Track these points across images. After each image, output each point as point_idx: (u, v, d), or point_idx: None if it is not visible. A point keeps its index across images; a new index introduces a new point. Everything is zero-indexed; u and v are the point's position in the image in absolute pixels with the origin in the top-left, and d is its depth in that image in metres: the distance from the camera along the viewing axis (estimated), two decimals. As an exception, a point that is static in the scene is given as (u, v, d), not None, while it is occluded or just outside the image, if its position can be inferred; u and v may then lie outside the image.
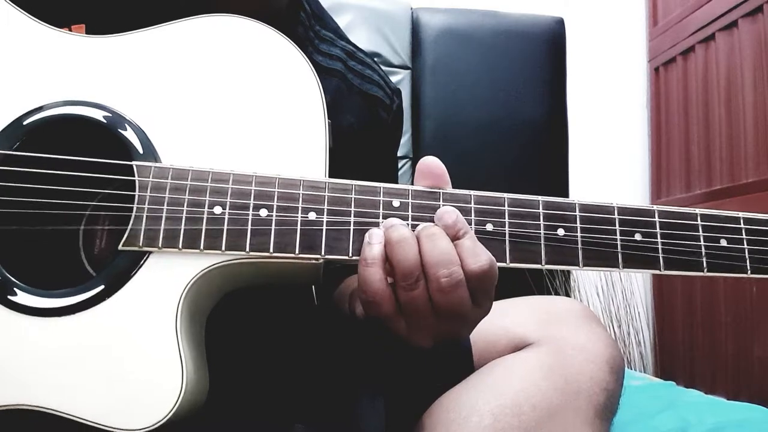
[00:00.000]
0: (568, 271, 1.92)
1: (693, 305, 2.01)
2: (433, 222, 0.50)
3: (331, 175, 0.52)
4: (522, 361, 0.62)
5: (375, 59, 0.81)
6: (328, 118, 0.53)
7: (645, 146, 2.32)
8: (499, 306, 0.71)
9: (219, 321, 0.54)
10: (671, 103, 2.20)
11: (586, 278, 2.05)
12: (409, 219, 0.51)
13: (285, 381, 0.68)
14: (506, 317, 0.68)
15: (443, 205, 0.51)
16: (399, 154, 0.86)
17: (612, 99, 2.29)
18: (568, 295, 1.89)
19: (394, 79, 1.80)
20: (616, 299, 2.03)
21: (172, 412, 0.45)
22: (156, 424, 0.45)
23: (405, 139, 1.81)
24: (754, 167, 1.80)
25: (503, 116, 1.87)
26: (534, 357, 0.62)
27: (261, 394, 0.66)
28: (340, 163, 0.54)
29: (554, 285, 1.83)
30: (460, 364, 0.66)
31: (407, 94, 1.86)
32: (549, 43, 1.94)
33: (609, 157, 2.25)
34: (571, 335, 0.63)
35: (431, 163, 0.53)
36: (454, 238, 0.49)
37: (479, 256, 0.48)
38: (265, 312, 0.66)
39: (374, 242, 0.49)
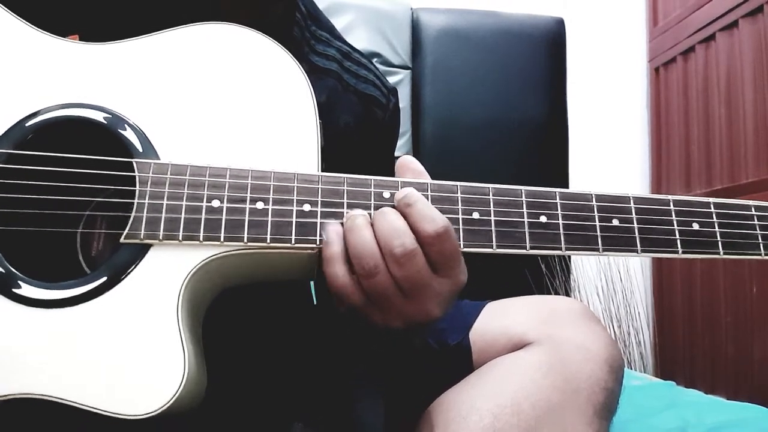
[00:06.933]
0: (569, 271, 1.92)
1: (693, 305, 2.01)
2: None
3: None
4: (521, 360, 0.62)
5: (374, 59, 0.81)
6: (324, 118, 0.55)
7: (645, 146, 2.32)
8: (498, 305, 0.72)
9: (218, 319, 0.55)
10: (671, 103, 2.20)
11: (586, 278, 2.05)
12: None
13: (284, 379, 0.68)
14: (506, 317, 0.68)
15: (431, 195, 0.53)
16: (399, 153, 0.87)
17: (612, 99, 2.29)
18: (568, 294, 1.89)
19: (394, 79, 1.80)
20: (616, 299, 2.03)
21: (173, 399, 0.46)
22: (157, 410, 0.45)
23: (405, 139, 1.81)
24: (754, 167, 1.80)
25: (503, 116, 1.87)
26: (533, 356, 0.62)
27: (260, 392, 0.66)
28: (337, 162, 0.54)
29: (554, 285, 1.83)
30: (460, 363, 0.66)
31: (407, 94, 1.85)
32: (549, 43, 1.95)
33: (609, 158, 2.25)
34: (570, 334, 0.63)
35: (410, 160, 0.55)
36: (405, 206, 0.51)
37: (435, 220, 0.50)
38: (264, 310, 0.66)
39: (331, 239, 0.51)
